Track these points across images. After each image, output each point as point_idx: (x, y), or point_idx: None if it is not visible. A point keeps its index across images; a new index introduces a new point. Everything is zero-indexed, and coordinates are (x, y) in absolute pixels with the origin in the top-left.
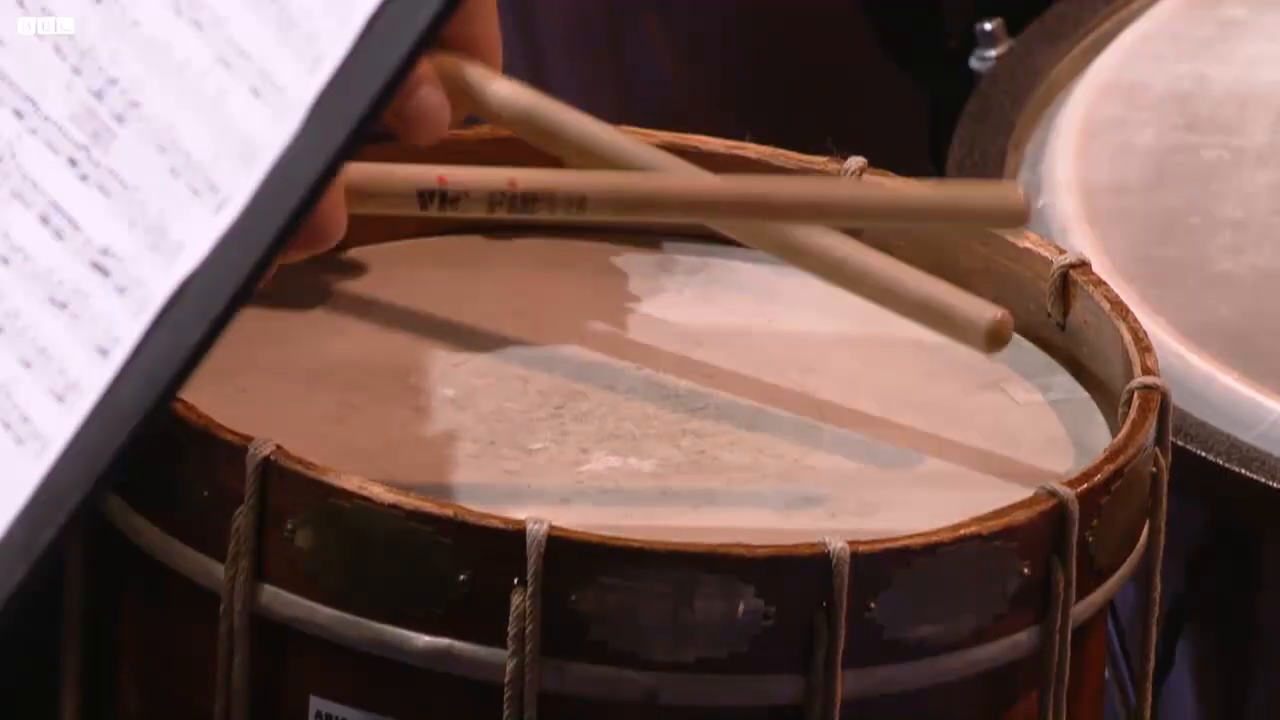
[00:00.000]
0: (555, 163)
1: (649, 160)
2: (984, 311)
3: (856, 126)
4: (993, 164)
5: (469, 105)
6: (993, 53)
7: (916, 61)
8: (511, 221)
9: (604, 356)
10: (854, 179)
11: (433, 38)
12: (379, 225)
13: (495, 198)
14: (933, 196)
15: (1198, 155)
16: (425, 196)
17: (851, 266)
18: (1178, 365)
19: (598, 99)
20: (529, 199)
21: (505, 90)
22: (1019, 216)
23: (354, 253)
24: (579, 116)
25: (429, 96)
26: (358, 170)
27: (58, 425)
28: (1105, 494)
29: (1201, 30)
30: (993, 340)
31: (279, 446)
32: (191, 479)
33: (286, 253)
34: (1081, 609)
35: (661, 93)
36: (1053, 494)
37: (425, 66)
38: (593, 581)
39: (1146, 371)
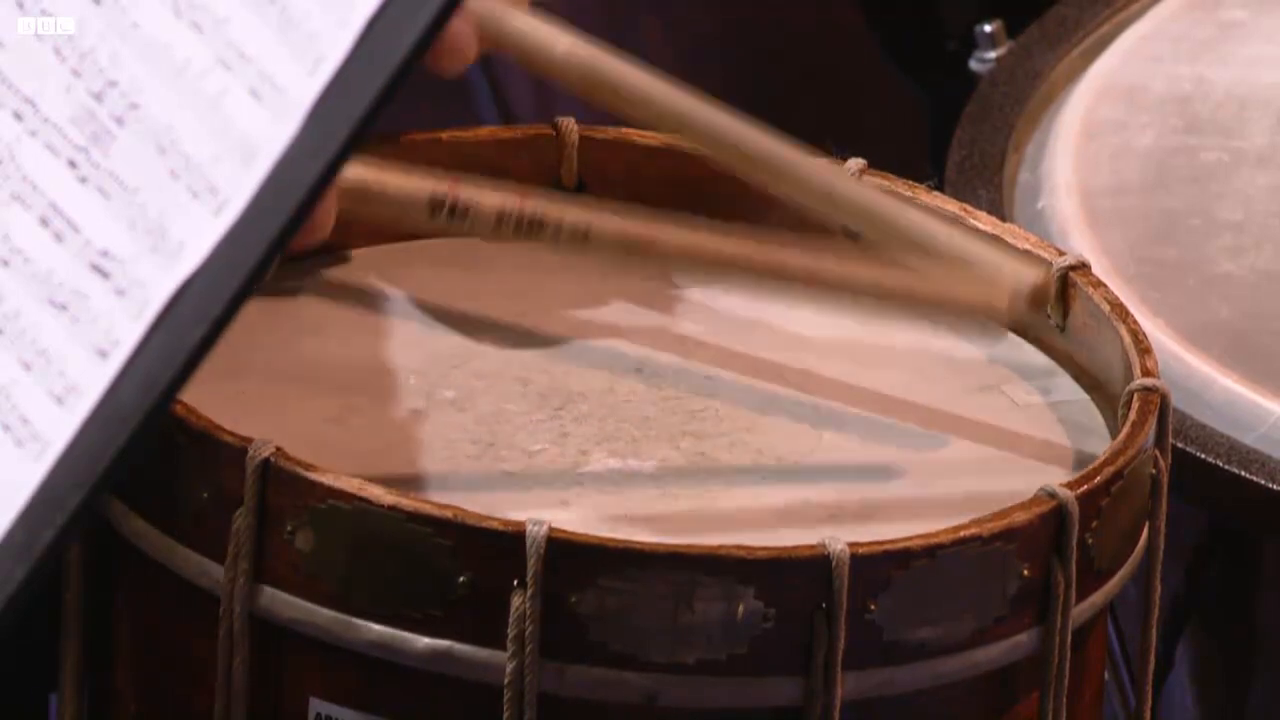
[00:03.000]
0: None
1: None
2: (1023, 275)
3: (856, 127)
4: (992, 165)
5: (492, 39)
6: (992, 54)
7: (916, 63)
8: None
9: (604, 358)
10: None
11: (433, 38)
12: (379, 227)
13: (503, 216)
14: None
15: (1197, 157)
16: (436, 205)
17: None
18: (1177, 367)
19: None
20: (535, 223)
21: (527, 25)
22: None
23: (354, 254)
24: (620, 64)
25: (455, 25)
26: (368, 171)
27: (57, 427)
28: (1105, 495)
29: (1201, 32)
30: (1035, 302)
31: (279, 448)
32: (191, 481)
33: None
34: (1081, 610)
35: None
36: (1052, 495)
37: None
38: (592, 583)
39: (1146, 373)
